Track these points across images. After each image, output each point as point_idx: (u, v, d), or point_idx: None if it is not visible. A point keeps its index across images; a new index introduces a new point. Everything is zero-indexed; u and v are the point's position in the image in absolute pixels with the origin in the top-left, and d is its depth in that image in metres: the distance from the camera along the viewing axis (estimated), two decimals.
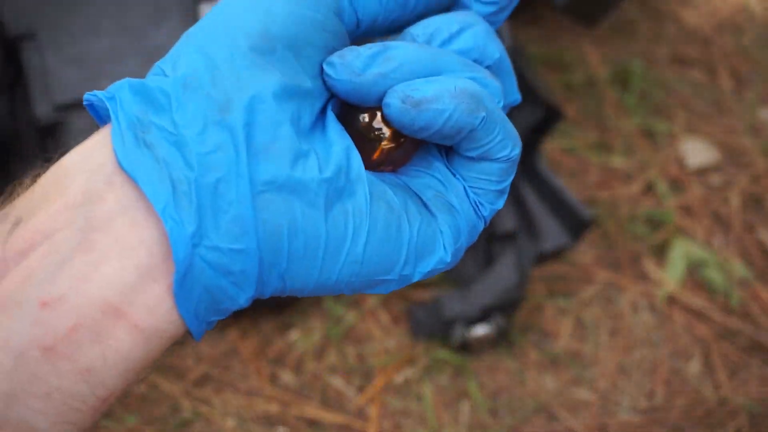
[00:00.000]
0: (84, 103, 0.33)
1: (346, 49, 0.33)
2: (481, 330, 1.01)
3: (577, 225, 1.00)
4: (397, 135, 0.34)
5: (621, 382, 1.04)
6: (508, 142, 0.34)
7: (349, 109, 0.34)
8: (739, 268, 1.14)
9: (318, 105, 0.33)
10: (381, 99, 0.33)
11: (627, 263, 1.15)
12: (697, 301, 1.11)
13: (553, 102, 0.97)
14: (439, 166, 0.36)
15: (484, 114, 0.33)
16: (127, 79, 0.32)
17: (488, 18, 0.36)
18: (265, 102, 0.31)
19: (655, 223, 1.19)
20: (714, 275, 1.13)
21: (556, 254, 1.02)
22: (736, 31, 1.47)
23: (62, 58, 0.84)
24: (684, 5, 1.50)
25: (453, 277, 1.06)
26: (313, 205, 0.31)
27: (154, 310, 0.30)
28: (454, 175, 0.36)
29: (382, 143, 0.34)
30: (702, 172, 1.27)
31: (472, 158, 0.35)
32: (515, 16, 1.15)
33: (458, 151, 0.35)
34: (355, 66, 0.33)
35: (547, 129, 1.00)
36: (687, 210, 1.21)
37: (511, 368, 1.04)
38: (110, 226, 0.30)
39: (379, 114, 0.33)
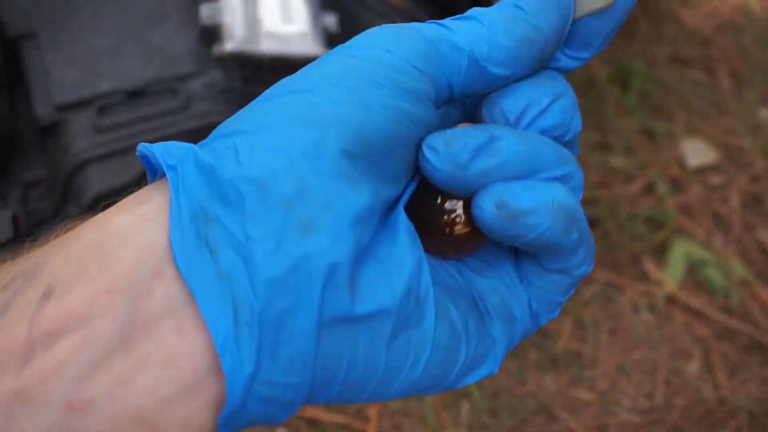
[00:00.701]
0: (138, 153, 0.30)
1: (450, 134, 0.30)
2: None
3: None
4: (472, 223, 0.31)
5: (621, 382, 1.04)
6: (587, 260, 0.33)
7: (422, 187, 0.32)
8: (738, 268, 1.14)
9: (393, 199, 0.31)
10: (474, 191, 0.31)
11: (627, 263, 1.15)
12: (697, 301, 1.11)
13: None
14: (507, 267, 0.34)
15: (576, 235, 0.32)
16: (191, 148, 0.29)
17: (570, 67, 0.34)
18: (348, 229, 0.28)
19: (655, 223, 1.19)
20: (714, 275, 1.13)
21: None
22: (736, 32, 1.47)
23: (62, 58, 0.84)
24: (684, 5, 1.50)
25: None
26: (377, 336, 0.29)
27: (189, 426, 0.28)
28: (521, 281, 0.34)
29: (456, 229, 0.31)
30: (702, 172, 1.27)
31: (548, 269, 0.33)
32: None
33: (536, 259, 0.33)
34: (461, 158, 0.30)
35: None
36: (687, 210, 1.21)
37: (511, 368, 1.04)
38: (155, 328, 0.27)
39: (457, 199, 0.31)
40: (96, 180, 0.80)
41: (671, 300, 1.12)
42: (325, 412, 0.98)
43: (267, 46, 0.82)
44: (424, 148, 0.30)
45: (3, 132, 0.85)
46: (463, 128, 0.30)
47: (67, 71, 0.84)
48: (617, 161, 1.26)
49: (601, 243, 1.16)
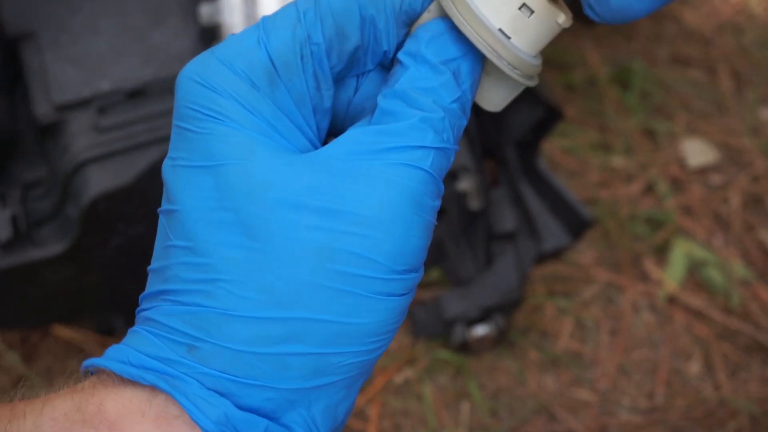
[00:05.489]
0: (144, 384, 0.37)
1: None
2: (481, 330, 1.01)
3: (577, 225, 1.00)
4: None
5: (621, 383, 1.04)
6: None
7: None
8: (739, 268, 1.14)
9: None
10: None
11: (627, 263, 1.15)
12: (698, 301, 1.11)
13: (553, 102, 0.97)
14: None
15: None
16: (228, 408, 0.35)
17: None
18: None
19: (655, 223, 1.19)
20: (714, 275, 1.13)
21: (556, 254, 1.02)
22: (737, 32, 1.47)
23: (62, 58, 0.84)
24: (684, 5, 1.50)
25: (453, 277, 1.06)
26: None
27: None
28: None
29: None
30: (702, 172, 1.27)
31: None
32: None
33: None
34: None
35: (547, 129, 1.00)
36: (687, 210, 1.21)
37: (511, 368, 1.04)
38: None
39: None
40: (96, 180, 0.80)
41: (672, 300, 1.12)
42: None
43: None
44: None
45: (3, 132, 0.85)
46: None
47: (67, 71, 0.84)
48: (617, 161, 1.26)
49: (601, 243, 1.16)
